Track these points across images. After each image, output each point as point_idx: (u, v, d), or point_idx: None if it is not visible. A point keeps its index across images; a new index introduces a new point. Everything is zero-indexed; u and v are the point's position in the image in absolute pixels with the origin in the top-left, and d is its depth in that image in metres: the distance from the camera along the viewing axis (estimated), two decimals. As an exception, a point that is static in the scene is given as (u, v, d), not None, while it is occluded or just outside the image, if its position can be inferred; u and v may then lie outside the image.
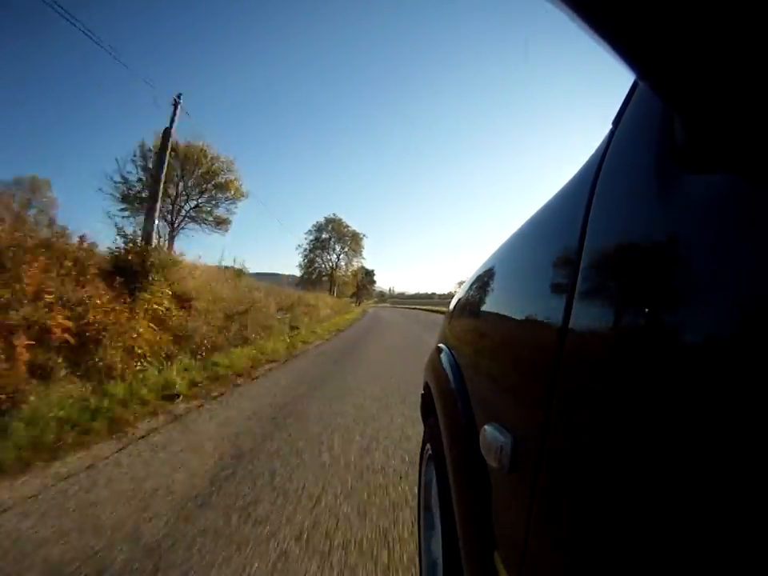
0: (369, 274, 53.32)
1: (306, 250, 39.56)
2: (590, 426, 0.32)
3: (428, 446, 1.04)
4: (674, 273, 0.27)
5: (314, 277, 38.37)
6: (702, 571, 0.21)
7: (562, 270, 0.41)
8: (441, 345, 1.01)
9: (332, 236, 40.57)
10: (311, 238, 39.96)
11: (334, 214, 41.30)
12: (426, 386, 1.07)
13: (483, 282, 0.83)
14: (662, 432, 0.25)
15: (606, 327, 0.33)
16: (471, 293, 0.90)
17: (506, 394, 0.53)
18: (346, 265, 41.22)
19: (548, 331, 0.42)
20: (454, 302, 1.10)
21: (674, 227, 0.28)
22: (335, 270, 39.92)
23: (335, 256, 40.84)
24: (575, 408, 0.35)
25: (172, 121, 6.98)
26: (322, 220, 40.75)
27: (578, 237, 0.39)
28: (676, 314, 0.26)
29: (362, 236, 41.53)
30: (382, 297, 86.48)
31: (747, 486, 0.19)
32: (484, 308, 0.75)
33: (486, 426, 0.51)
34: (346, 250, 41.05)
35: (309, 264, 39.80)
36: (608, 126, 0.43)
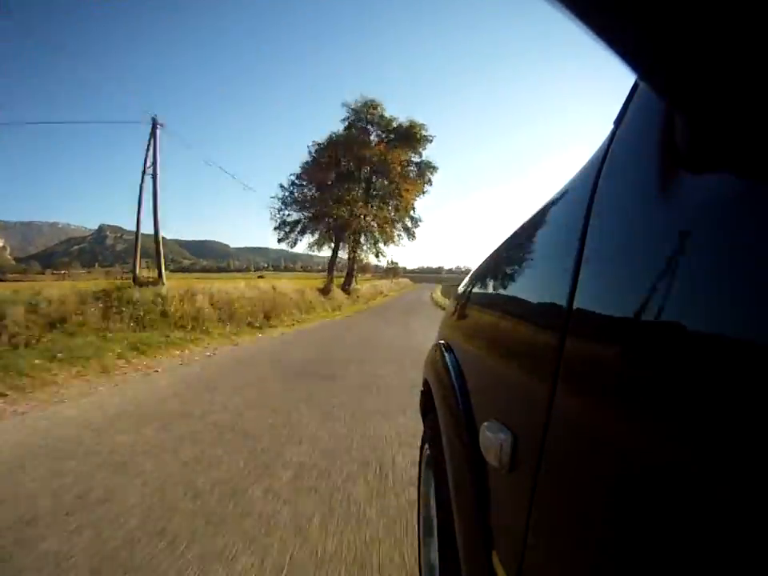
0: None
1: (292, 184, 16.75)
2: (591, 425, 0.32)
3: (427, 445, 1.04)
4: (676, 272, 0.27)
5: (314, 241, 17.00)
6: (701, 571, 0.21)
7: (564, 267, 0.41)
8: (441, 341, 1.01)
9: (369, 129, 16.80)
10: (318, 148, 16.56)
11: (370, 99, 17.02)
12: (426, 383, 1.07)
13: (484, 278, 0.83)
14: (664, 431, 0.25)
15: (608, 326, 0.33)
16: (472, 289, 0.90)
17: (507, 391, 0.53)
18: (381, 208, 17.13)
19: (549, 329, 0.42)
20: (453, 298, 1.10)
21: (676, 227, 0.28)
22: (370, 218, 16.32)
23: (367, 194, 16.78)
24: (576, 406, 0.35)
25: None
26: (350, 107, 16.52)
27: (580, 235, 0.39)
28: (677, 314, 0.26)
29: (426, 136, 16.89)
30: (394, 272, 59.23)
31: (752, 487, 0.19)
32: (484, 305, 0.75)
33: (486, 424, 0.51)
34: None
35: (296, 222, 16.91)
36: (610, 126, 0.43)
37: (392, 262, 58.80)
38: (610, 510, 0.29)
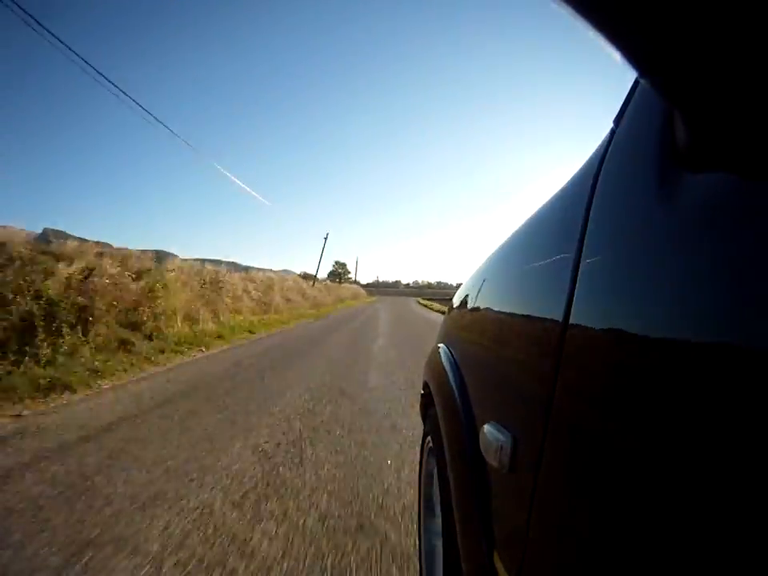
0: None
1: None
2: (589, 426, 0.32)
3: (428, 444, 1.04)
4: (675, 272, 0.27)
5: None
6: (701, 571, 0.21)
7: (563, 268, 0.41)
8: (440, 344, 1.01)
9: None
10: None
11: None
12: (426, 386, 1.07)
13: (483, 281, 0.83)
14: (662, 432, 0.25)
15: (607, 327, 0.33)
16: (471, 292, 0.90)
17: (507, 393, 0.53)
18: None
19: (548, 331, 0.41)
20: (453, 301, 1.09)
21: (675, 226, 0.28)
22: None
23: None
24: (575, 408, 0.35)
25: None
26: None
27: (579, 235, 0.39)
28: (676, 314, 0.26)
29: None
30: (339, 276, 55.55)
31: (749, 488, 0.19)
32: (484, 307, 0.75)
33: (486, 426, 0.51)
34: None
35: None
36: (609, 125, 0.42)
37: (337, 262, 57.25)
38: (609, 510, 0.29)
